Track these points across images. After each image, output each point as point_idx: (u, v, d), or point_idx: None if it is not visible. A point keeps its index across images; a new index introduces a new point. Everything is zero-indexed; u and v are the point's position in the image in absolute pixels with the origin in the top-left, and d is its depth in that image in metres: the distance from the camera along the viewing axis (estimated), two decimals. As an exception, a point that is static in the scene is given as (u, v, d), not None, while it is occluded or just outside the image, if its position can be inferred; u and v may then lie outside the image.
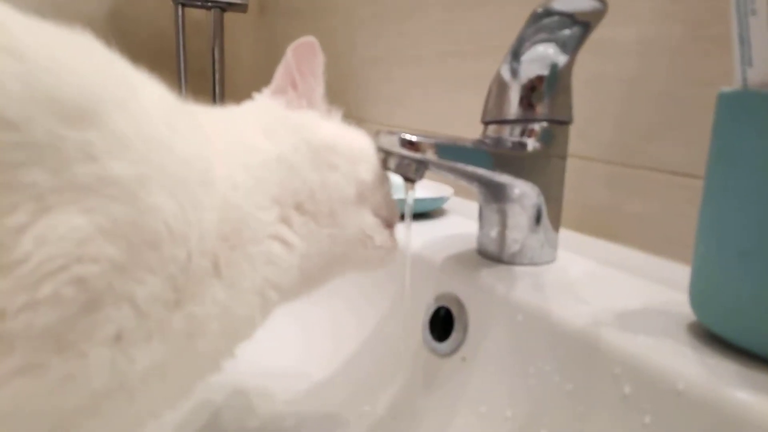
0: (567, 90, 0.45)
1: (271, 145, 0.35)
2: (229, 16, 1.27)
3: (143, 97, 0.26)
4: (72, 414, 0.24)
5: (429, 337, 0.49)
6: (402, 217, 0.43)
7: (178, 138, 0.26)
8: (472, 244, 0.52)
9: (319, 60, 0.41)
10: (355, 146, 0.39)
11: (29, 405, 0.22)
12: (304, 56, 0.41)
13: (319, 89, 0.41)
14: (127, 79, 0.26)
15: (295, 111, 0.40)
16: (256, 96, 0.42)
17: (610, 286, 0.43)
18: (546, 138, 0.44)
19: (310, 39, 0.40)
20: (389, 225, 0.42)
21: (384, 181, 0.41)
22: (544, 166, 0.45)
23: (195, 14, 1.29)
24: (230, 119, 0.37)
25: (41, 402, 0.23)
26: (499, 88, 0.45)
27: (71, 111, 0.22)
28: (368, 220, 0.39)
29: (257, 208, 0.31)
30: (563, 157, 0.47)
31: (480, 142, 0.45)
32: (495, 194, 0.47)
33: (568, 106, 0.45)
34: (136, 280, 0.24)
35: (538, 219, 0.46)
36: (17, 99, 0.21)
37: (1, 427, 0.22)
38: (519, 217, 0.46)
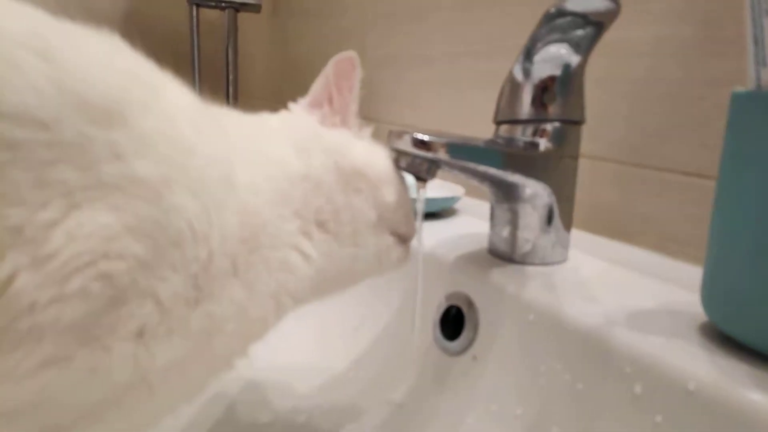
0: (579, 90, 0.45)
1: (299, 161, 0.35)
2: (243, 17, 1.27)
3: (168, 99, 0.27)
4: (95, 406, 0.25)
5: (440, 335, 0.49)
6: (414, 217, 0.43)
7: (201, 140, 0.27)
8: (483, 244, 0.52)
9: (357, 75, 0.41)
10: (382, 170, 0.40)
11: (55, 396, 0.23)
12: (342, 71, 0.41)
13: (354, 106, 0.42)
14: (152, 81, 0.27)
15: (329, 129, 0.40)
16: (292, 106, 0.42)
17: (622, 286, 0.43)
18: (558, 138, 0.44)
19: (350, 54, 0.41)
20: (405, 241, 0.43)
21: (406, 201, 0.42)
22: (555, 166, 0.45)
23: (209, 14, 1.30)
24: (261, 127, 0.37)
25: (66, 394, 0.23)
26: (512, 88, 0.45)
27: (98, 111, 0.23)
28: (386, 241, 0.40)
29: (278, 217, 0.32)
30: (575, 157, 0.47)
31: (492, 141, 0.45)
32: (506, 194, 0.47)
33: (581, 107, 0.45)
34: (160, 277, 0.24)
35: (549, 219, 0.46)
36: (48, 100, 0.21)
37: (27, 418, 0.23)
38: (530, 217, 0.46)
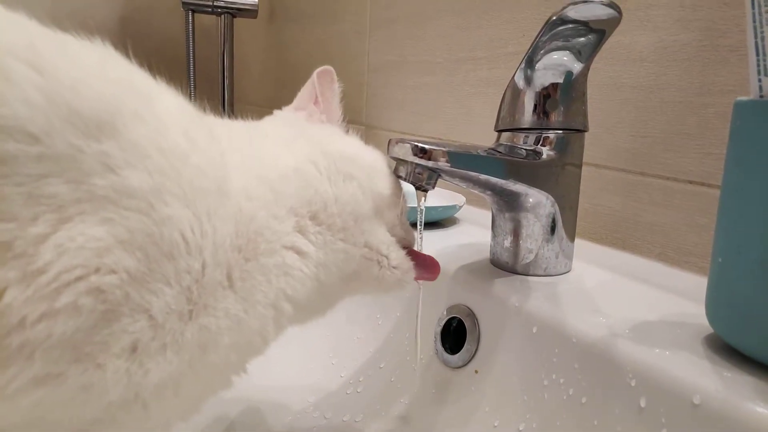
0: (582, 98, 0.44)
1: (289, 156, 0.35)
2: (239, 22, 1.27)
3: (161, 107, 0.26)
4: (88, 424, 0.24)
5: (441, 348, 0.48)
6: (414, 227, 0.43)
7: (194, 148, 0.27)
8: (485, 254, 0.52)
9: (336, 87, 0.43)
10: (372, 161, 0.39)
11: (48, 415, 0.23)
12: (325, 81, 0.43)
13: (338, 112, 0.43)
14: (145, 90, 0.26)
15: (316, 124, 0.41)
16: (277, 112, 0.43)
17: (626, 297, 0.43)
18: (561, 146, 0.44)
19: (329, 67, 0.43)
20: (405, 246, 0.41)
21: (399, 202, 0.41)
22: (558, 174, 0.45)
23: (205, 20, 1.29)
24: (251, 132, 0.37)
25: (59, 412, 0.23)
26: (513, 95, 0.45)
27: (90, 123, 0.22)
28: (383, 238, 0.38)
29: (273, 219, 0.31)
30: (578, 166, 0.46)
31: (493, 150, 0.45)
32: (508, 203, 0.47)
33: (583, 114, 0.45)
34: (153, 291, 0.24)
35: (552, 229, 0.46)
36: (38, 112, 0.21)
37: None
38: (533, 226, 0.46)
